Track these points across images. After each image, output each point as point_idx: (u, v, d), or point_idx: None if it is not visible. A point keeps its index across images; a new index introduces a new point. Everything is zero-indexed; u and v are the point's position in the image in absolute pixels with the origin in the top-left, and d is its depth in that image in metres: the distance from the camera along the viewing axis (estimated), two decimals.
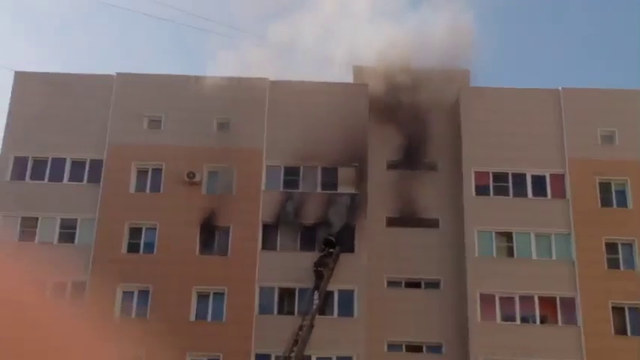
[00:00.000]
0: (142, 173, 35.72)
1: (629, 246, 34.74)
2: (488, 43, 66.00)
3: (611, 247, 34.68)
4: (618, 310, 33.60)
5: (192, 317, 33.49)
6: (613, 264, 34.48)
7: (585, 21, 73.46)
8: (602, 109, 36.85)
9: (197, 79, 36.28)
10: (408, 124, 36.62)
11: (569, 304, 33.77)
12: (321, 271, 33.10)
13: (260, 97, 36.56)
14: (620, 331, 33.42)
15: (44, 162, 35.75)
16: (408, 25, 38.47)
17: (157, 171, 35.60)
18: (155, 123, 36.35)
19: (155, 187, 35.46)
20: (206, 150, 35.59)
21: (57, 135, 35.75)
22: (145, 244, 34.55)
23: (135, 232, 34.71)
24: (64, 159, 35.72)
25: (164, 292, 33.21)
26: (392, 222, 35.77)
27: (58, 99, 36.18)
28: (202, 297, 33.95)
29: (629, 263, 34.56)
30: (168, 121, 36.35)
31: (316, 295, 32.71)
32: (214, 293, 33.84)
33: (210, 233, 34.78)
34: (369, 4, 38.77)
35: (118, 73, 37.01)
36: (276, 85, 36.82)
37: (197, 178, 35.07)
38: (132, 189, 35.39)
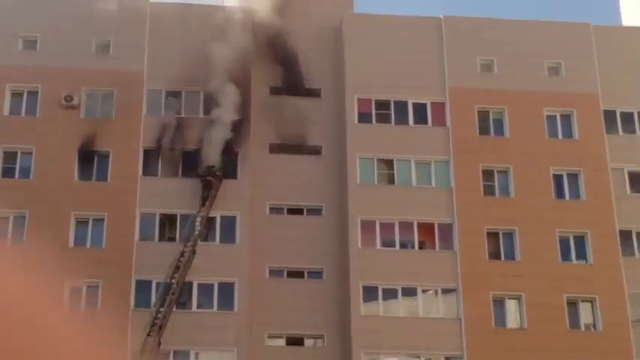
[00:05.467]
0: (16, 96, 36.58)
1: (504, 173, 37.39)
2: None
3: (488, 175, 37.33)
4: (493, 236, 36.35)
5: (71, 243, 34.68)
6: (489, 191, 37.18)
7: None
8: (482, 39, 39.12)
9: None
10: (290, 49, 38.28)
11: (446, 230, 36.29)
12: (210, 180, 34.86)
13: (141, 18, 37.57)
14: (494, 255, 36.24)
15: None
16: None
17: (33, 94, 36.48)
18: (30, 43, 37.11)
19: (31, 111, 36.37)
20: (84, 72, 36.51)
21: None
22: (21, 168, 35.54)
23: (9, 156, 35.68)
24: None
25: (41, 218, 34.06)
26: (275, 148, 37.60)
27: None
28: (81, 223, 35.21)
29: (505, 190, 37.30)
30: (44, 42, 37.10)
31: (198, 221, 34.51)
32: (94, 219, 35.15)
33: (89, 158, 35.96)
34: None
35: None
36: (157, 6, 37.86)
37: (75, 102, 36.08)
38: (6, 112, 36.27)
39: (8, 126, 35.90)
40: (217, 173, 35.83)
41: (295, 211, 37.36)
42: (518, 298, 35.74)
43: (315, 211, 37.42)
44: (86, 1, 37.02)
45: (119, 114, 36.58)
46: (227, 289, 34.87)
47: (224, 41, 37.18)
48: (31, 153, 35.69)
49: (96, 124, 36.39)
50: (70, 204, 34.92)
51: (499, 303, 35.65)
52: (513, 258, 36.56)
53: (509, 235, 36.77)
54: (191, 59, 37.06)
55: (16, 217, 34.67)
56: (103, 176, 36.00)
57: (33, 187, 35.02)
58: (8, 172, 35.58)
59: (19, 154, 35.82)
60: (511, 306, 35.81)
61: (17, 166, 35.66)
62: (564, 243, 36.84)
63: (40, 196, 34.56)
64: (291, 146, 37.79)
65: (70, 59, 36.74)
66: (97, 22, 36.87)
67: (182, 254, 33.78)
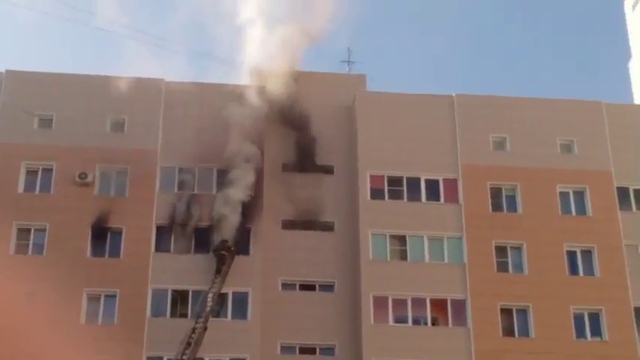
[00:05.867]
0: (31, 173, 37.06)
1: (518, 250, 37.37)
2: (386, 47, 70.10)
3: (501, 251, 37.27)
4: (507, 312, 36.12)
5: (83, 320, 34.74)
6: (502, 267, 37.07)
7: (485, 27, 77.54)
8: (493, 116, 39.55)
9: (90, 78, 37.88)
10: (303, 127, 38.74)
11: (459, 306, 36.08)
12: (224, 255, 34.94)
13: (156, 97, 38.26)
14: (508, 332, 35.95)
15: None
16: (303, 27, 40.65)
17: (48, 171, 37.00)
18: (46, 122, 37.71)
19: (45, 188, 36.83)
20: (99, 150, 37.10)
21: None
22: (34, 245, 35.75)
23: (23, 232, 35.96)
24: None
25: (53, 295, 32.88)
26: (288, 224, 37.72)
27: None
28: (93, 299, 35.33)
29: (518, 267, 37.18)
30: (59, 120, 37.73)
31: (210, 297, 34.47)
32: (106, 296, 35.23)
33: (102, 235, 36.15)
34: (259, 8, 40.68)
35: (7, 70, 38.32)
36: (171, 85, 38.49)
37: (89, 179, 36.53)
38: (20, 189, 36.75)
39: (22, 203, 36.30)
40: (232, 248, 35.91)
41: (307, 287, 37.32)
42: None
43: (328, 287, 37.35)
44: (101, 80, 37.64)
45: (133, 191, 37.10)
46: None
47: (238, 119, 37.71)
48: (44, 230, 36.05)
49: (109, 201, 36.86)
50: (82, 280, 35.05)
51: None
52: (528, 335, 36.22)
53: (523, 312, 36.54)
54: (205, 136, 37.59)
55: (27, 293, 33.33)
56: (115, 252, 36.25)
57: (46, 263, 35.06)
58: (21, 249, 35.87)
59: (32, 231, 36.13)
60: None
61: (30, 243, 35.96)
62: (579, 320, 36.58)
63: (52, 273, 34.35)
64: (304, 222, 37.92)
65: (84, 137, 37.46)
66: (112, 100, 37.44)
67: (194, 330, 33.64)
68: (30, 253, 36.04)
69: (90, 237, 36.26)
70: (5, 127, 37.59)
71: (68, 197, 36.58)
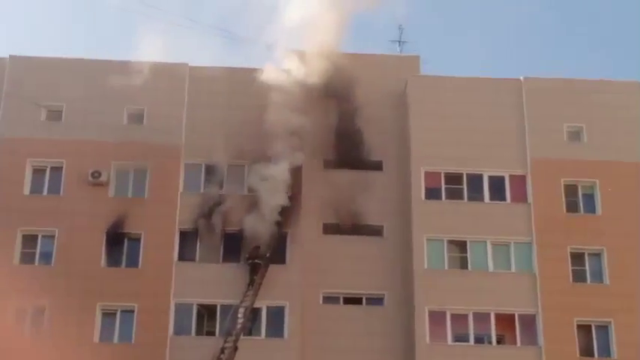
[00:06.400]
0: (38, 172, 35.84)
1: (597, 257, 35.52)
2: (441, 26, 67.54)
3: (578, 258, 35.43)
4: (584, 329, 34.33)
5: (97, 338, 33.55)
6: (579, 277, 35.18)
7: (550, 4, 74.29)
8: (568, 103, 37.65)
9: (104, 64, 36.40)
10: (348, 117, 36.91)
11: (529, 323, 34.40)
12: (258, 264, 33.72)
13: (178, 84, 36.96)
14: (587, 352, 34.15)
15: None
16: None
17: (57, 170, 35.80)
18: (54, 114, 36.47)
19: (54, 189, 35.56)
20: (114, 145, 35.77)
21: None
22: (41, 254, 34.65)
23: (29, 240, 34.80)
24: None
25: (63, 310, 32.90)
26: (329, 229, 36.23)
27: None
28: (108, 315, 34.00)
29: (597, 276, 35.37)
30: (69, 112, 36.47)
31: (241, 312, 33.01)
32: (122, 311, 33.99)
33: (119, 242, 34.99)
34: None
35: (11, 56, 37.07)
36: (197, 70, 37.09)
37: (103, 178, 35.31)
38: (26, 190, 35.46)
39: (28, 206, 34.97)
40: (266, 255, 34.42)
41: (353, 300, 35.68)
42: None
43: (376, 301, 35.72)
44: (117, 66, 36.01)
45: (153, 192, 35.67)
46: None
47: (272, 109, 35.84)
48: (53, 236, 34.79)
49: (126, 203, 35.51)
50: (95, 294, 33.91)
51: None
52: (609, 355, 34.28)
53: (603, 329, 34.70)
54: (235, 129, 35.99)
55: (35, 308, 33.38)
56: (133, 262, 34.85)
57: (54, 274, 33.96)
58: (27, 258, 34.60)
59: (39, 238, 34.89)
60: None
61: (37, 251, 34.74)
62: None
63: (62, 285, 33.59)
64: (348, 226, 36.27)
65: (98, 131, 36.06)
66: (129, 89, 35.71)
67: (222, 351, 32.34)
68: (37, 262, 34.67)
69: (104, 244, 34.86)
70: (9, 119, 36.20)
71: (80, 199, 35.12)
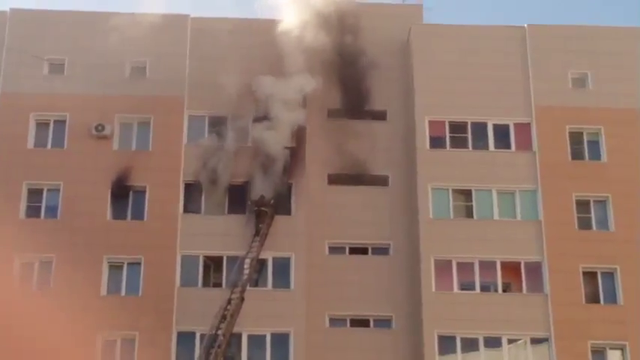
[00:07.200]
0: (42, 126, 35.68)
1: (602, 204, 35.28)
2: None
3: (583, 206, 35.23)
4: (590, 276, 34.22)
5: (104, 292, 33.59)
6: (584, 224, 35.03)
7: None
8: (573, 49, 37.27)
9: (106, 17, 35.85)
10: (351, 66, 36.64)
11: (535, 270, 34.24)
12: (265, 211, 33.67)
13: (181, 36, 36.63)
14: (592, 299, 34.03)
15: None
16: None
17: (60, 123, 35.58)
18: (56, 67, 36.25)
19: (58, 143, 35.42)
20: (118, 99, 35.52)
21: None
22: (47, 207, 34.56)
23: (34, 194, 34.69)
24: None
25: (69, 263, 32.79)
26: (334, 179, 35.99)
27: None
28: (115, 268, 34.02)
29: (603, 223, 35.14)
30: (72, 65, 36.25)
31: (247, 264, 33.00)
32: (129, 264, 33.95)
33: (124, 195, 34.85)
34: None
35: (11, 9, 36.74)
36: (200, 21, 36.78)
37: (107, 132, 35.12)
38: (30, 144, 35.33)
39: (33, 160, 34.88)
40: (272, 202, 34.44)
41: (359, 250, 35.55)
42: (621, 349, 33.44)
43: (382, 251, 35.52)
44: (118, 19, 35.49)
45: (156, 144, 35.50)
46: (281, 341, 33.32)
47: (275, 60, 35.62)
48: (58, 190, 34.61)
49: (131, 156, 35.28)
50: (102, 246, 33.79)
51: (599, 354, 33.48)
52: (615, 302, 34.16)
53: (609, 275, 34.51)
54: (238, 79, 35.39)
55: (41, 262, 33.56)
56: (139, 215, 34.73)
57: (60, 228, 33.89)
58: (33, 212, 34.53)
59: (44, 192, 34.78)
60: (613, 357, 33.57)
61: (43, 205, 34.65)
62: None
63: (68, 238, 33.51)
64: (353, 176, 36.01)
65: (101, 84, 35.69)
66: (131, 42, 35.33)
67: (229, 302, 32.08)
68: (42, 216, 34.58)
69: (109, 197, 34.66)
70: (11, 74, 35.87)
71: (84, 153, 34.97)
